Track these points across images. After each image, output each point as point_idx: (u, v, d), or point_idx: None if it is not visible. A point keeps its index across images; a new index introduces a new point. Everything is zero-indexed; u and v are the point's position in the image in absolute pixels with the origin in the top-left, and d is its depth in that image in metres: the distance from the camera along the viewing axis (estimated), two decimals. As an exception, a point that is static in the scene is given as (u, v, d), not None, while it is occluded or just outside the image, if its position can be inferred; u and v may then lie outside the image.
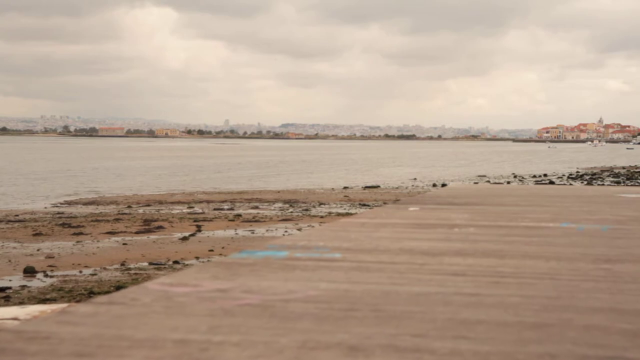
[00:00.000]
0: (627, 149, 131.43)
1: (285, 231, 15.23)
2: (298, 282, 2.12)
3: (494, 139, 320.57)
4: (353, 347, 1.48)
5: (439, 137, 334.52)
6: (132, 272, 11.17)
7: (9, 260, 11.98)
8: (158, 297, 1.89)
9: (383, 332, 1.60)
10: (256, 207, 21.15)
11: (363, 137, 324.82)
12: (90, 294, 9.62)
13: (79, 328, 1.55)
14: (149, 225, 16.45)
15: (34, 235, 14.97)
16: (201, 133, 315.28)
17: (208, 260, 10.62)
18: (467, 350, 1.49)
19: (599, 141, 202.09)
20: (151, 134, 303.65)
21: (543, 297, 1.98)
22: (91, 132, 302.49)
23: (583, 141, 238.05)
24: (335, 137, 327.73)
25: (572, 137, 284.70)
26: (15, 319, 3.48)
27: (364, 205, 21.52)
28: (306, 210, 20.34)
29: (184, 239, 14.37)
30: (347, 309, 1.81)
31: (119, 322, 1.62)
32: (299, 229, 15.13)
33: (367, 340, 1.53)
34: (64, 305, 3.80)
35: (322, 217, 18.24)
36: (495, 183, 30.97)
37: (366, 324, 1.66)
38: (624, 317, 1.79)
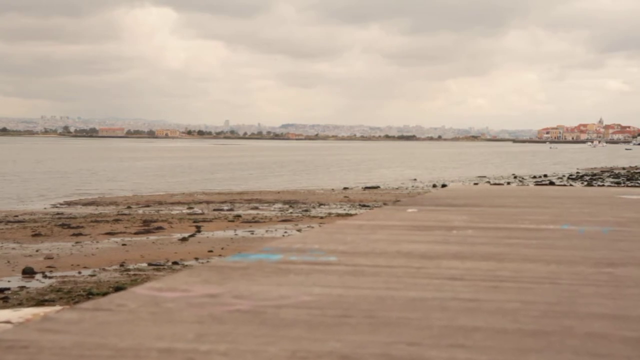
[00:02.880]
0: (626, 149, 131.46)
1: (285, 232, 15.17)
2: (291, 287, 2.07)
3: (494, 139, 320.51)
4: (345, 357, 1.43)
5: (439, 138, 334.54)
6: (131, 272, 11.12)
7: (8, 261, 11.92)
8: (145, 302, 1.83)
9: (377, 340, 1.54)
10: (256, 208, 21.10)
11: (363, 138, 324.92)
12: (89, 294, 9.57)
13: (60, 336, 1.49)
14: (148, 226, 16.40)
15: (33, 235, 14.92)
16: (201, 134, 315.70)
17: (207, 261, 10.57)
18: (463, 359, 1.43)
19: (599, 142, 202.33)
20: (151, 134, 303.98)
21: (543, 303, 1.93)
22: (91, 133, 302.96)
23: (583, 142, 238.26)
24: (336, 137, 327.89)
25: (572, 138, 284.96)
26: (7, 322, 3.43)
27: (364, 205, 21.46)
28: (306, 211, 20.28)
29: (184, 239, 14.31)
30: (340, 315, 1.75)
31: (103, 330, 1.56)
32: (299, 230, 15.08)
33: (360, 349, 1.48)
34: (58, 308, 3.75)
35: (321, 217, 18.19)
36: (495, 184, 30.92)
37: (360, 331, 1.60)
38: (627, 324, 1.74)
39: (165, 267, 11.52)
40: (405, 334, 1.58)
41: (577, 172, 44.94)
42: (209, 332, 1.57)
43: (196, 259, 12.02)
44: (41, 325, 1.58)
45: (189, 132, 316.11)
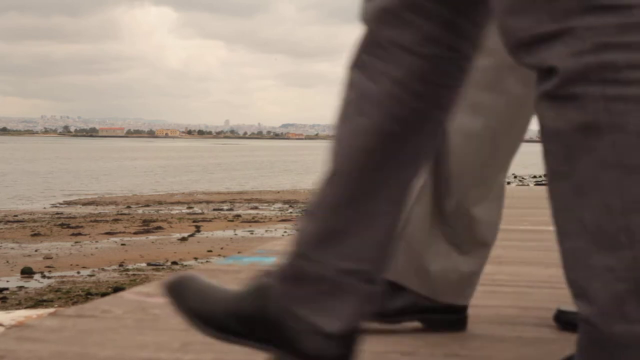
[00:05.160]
0: None
1: (285, 231, 15.12)
2: (283, 292, 2.00)
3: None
4: (335, 367, 1.37)
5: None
6: (130, 272, 11.07)
7: (7, 261, 11.88)
8: (132, 308, 1.77)
9: (369, 349, 1.48)
10: (256, 208, 21.05)
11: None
12: (88, 295, 9.53)
13: (39, 345, 1.44)
14: (147, 226, 16.35)
15: (33, 235, 14.87)
16: (201, 133, 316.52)
17: (207, 261, 10.53)
18: (459, 369, 1.38)
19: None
20: (151, 134, 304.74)
21: (542, 309, 1.87)
22: (91, 132, 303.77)
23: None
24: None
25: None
26: (0, 324, 3.38)
27: (364, 205, 21.40)
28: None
29: (183, 239, 14.26)
30: (332, 322, 1.69)
31: (85, 338, 1.50)
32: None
33: (351, 358, 1.42)
34: (51, 310, 3.70)
35: (321, 217, 18.12)
36: (496, 183, 30.84)
37: (351, 339, 1.54)
38: (628, 331, 1.68)
39: (165, 267, 11.47)
40: (399, 343, 1.52)
41: (578, 172, 44.79)
42: (195, 341, 1.51)
43: (195, 259, 11.97)
44: (20, 333, 1.52)
45: (189, 132, 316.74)
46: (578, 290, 0.87)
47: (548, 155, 0.89)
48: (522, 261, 2.69)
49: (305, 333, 1.06)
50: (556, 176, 0.89)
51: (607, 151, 0.82)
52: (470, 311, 1.68)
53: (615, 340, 0.83)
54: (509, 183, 32.44)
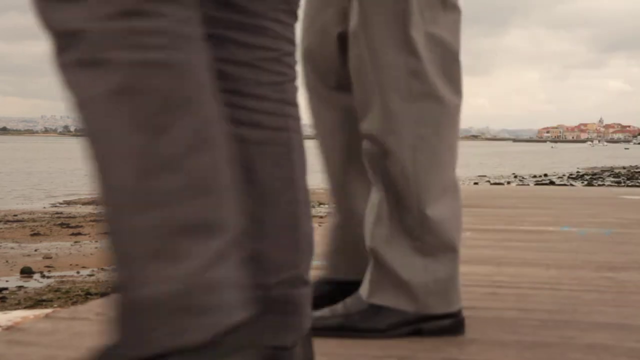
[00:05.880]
0: (625, 149, 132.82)
1: (284, 232, 15.10)
2: (280, 294, 1.98)
3: (494, 139, 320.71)
4: (332, 371, 1.34)
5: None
6: (129, 273, 11.07)
7: (7, 261, 11.85)
8: (126, 311, 1.74)
9: (366, 353, 1.46)
10: (255, 208, 21.04)
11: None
12: (87, 295, 9.50)
13: (30, 349, 1.41)
14: (146, 226, 16.35)
15: (32, 235, 14.83)
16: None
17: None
18: (458, 374, 1.35)
19: (599, 141, 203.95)
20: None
21: (543, 311, 1.85)
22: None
23: (583, 141, 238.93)
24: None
25: (573, 137, 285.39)
26: (-3, 325, 3.35)
27: (364, 205, 21.37)
28: (305, 210, 20.21)
29: (182, 239, 14.27)
30: (329, 325, 1.66)
31: (77, 342, 1.47)
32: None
33: (349, 362, 1.39)
34: (49, 310, 3.67)
35: (321, 217, 18.12)
36: (495, 183, 30.84)
37: (347, 343, 1.52)
38: (631, 333, 1.65)
39: (163, 267, 11.46)
40: (396, 347, 1.50)
41: (578, 172, 44.80)
42: (189, 344, 1.48)
43: (194, 259, 11.97)
44: (11, 336, 1.50)
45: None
46: None
47: (84, 121, 0.89)
48: (523, 262, 2.66)
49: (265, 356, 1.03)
50: (92, 140, 0.89)
51: (137, 114, 0.84)
52: (470, 313, 1.66)
53: None
54: (509, 183, 32.37)
